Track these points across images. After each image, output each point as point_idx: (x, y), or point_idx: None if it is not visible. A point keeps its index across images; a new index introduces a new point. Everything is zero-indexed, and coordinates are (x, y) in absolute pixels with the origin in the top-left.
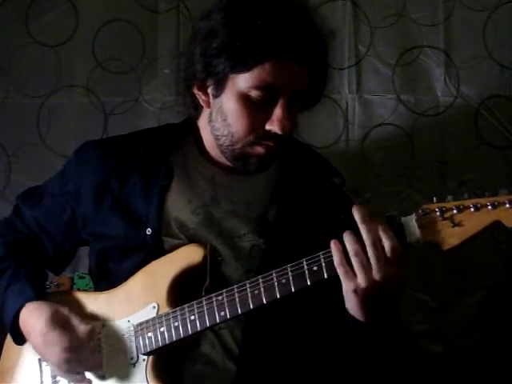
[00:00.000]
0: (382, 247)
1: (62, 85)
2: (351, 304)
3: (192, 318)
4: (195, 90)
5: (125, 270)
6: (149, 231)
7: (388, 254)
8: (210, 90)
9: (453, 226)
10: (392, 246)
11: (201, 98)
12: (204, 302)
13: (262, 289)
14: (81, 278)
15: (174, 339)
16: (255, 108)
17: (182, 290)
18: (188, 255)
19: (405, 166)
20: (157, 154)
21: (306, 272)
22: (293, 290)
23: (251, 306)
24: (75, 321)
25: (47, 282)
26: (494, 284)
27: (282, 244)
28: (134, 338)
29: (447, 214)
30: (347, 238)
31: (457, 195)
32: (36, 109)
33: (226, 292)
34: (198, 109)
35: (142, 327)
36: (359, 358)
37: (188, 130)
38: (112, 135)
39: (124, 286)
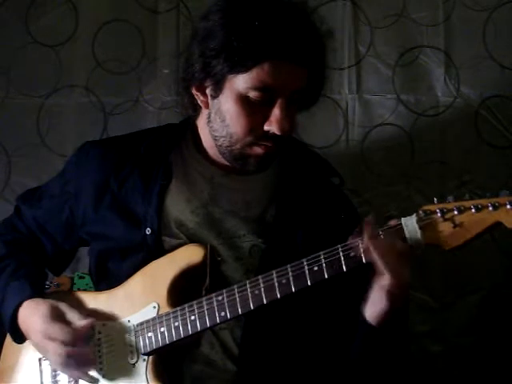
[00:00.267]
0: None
1: (62, 85)
2: (381, 299)
3: (192, 318)
4: (194, 91)
5: (125, 269)
6: (148, 231)
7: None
8: (208, 91)
9: (453, 227)
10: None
11: (199, 98)
12: (204, 302)
13: (263, 289)
14: (81, 277)
15: (174, 339)
16: (254, 109)
17: (182, 290)
18: (188, 255)
19: (405, 166)
20: (156, 154)
21: (307, 272)
22: (293, 290)
23: (251, 307)
24: (73, 315)
25: (47, 282)
26: (494, 284)
27: (281, 244)
28: (134, 338)
29: (448, 215)
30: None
31: (457, 195)
32: (36, 109)
33: (227, 292)
34: (196, 109)
35: (142, 327)
36: (368, 361)
37: (187, 130)
38: (112, 135)
39: (124, 285)
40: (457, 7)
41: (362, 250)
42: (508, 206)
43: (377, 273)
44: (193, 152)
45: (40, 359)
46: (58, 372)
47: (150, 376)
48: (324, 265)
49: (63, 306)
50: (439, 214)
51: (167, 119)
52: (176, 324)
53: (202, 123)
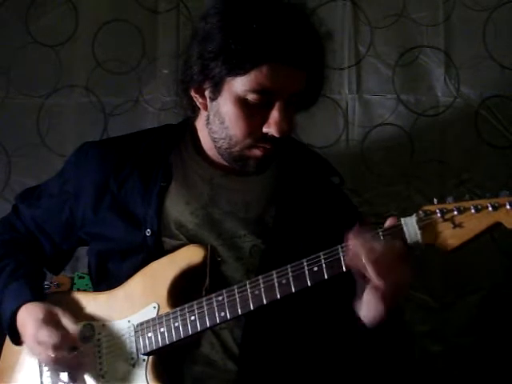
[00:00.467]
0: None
1: (62, 85)
2: (375, 303)
3: (192, 318)
4: (192, 93)
5: (125, 270)
6: (148, 232)
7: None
8: (207, 93)
9: (453, 228)
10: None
11: (198, 100)
12: (204, 303)
13: (263, 289)
14: (81, 277)
15: (174, 339)
16: (252, 111)
17: (183, 291)
18: (188, 256)
19: (405, 165)
20: (155, 155)
21: (307, 272)
22: (293, 290)
23: (251, 307)
24: (66, 320)
25: (47, 282)
26: (494, 284)
27: (282, 244)
28: (134, 338)
29: (448, 216)
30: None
31: (457, 195)
32: (36, 109)
33: (226, 292)
34: (195, 111)
35: (142, 327)
36: (368, 361)
37: (186, 131)
38: (112, 135)
39: (124, 286)
40: (457, 7)
41: (347, 257)
42: (508, 207)
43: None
44: (192, 154)
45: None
46: (58, 372)
47: (150, 376)
48: (324, 265)
49: (58, 311)
50: (439, 215)
51: (167, 120)
52: (176, 324)
53: (200, 125)
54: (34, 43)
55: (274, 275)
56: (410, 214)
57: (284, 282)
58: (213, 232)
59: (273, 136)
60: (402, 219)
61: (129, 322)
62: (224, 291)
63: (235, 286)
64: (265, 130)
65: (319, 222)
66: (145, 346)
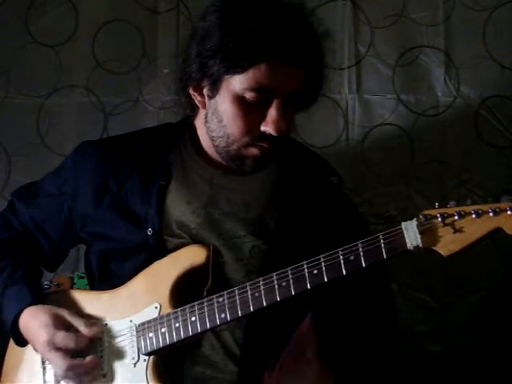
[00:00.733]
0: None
1: (62, 85)
2: None
3: (193, 319)
4: (191, 91)
5: (127, 270)
6: (150, 231)
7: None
8: (205, 91)
9: (454, 232)
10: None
11: (196, 98)
12: (205, 304)
13: (263, 291)
14: (81, 277)
15: (175, 340)
16: (250, 109)
17: (184, 291)
18: (191, 256)
19: (405, 166)
20: (155, 154)
21: (307, 275)
22: (293, 292)
23: (251, 309)
24: (79, 322)
25: (47, 282)
26: (494, 284)
27: (283, 244)
28: (135, 338)
29: (448, 220)
30: None
31: (457, 196)
32: (36, 109)
33: (227, 294)
34: (194, 109)
35: (143, 327)
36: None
37: (185, 130)
38: (112, 135)
39: (127, 285)
40: (457, 7)
41: None
42: (509, 212)
43: None
44: (191, 153)
45: (43, 359)
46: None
47: (151, 376)
48: (324, 268)
49: (66, 314)
50: (439, 219)
51: (167, 119)
52: (177, 325)
53: (199, 123)
54: (34, 43)
55: (274, 277)
56: (411, 218)
57: (284, 284)
58: (213, 232)
59: (270, 135)
60: (403, 223)
61: (131, 321)
62: (225, 293)
63: (236, 288)
64: (262, 128)
65: (320, 223)
66: (146, 346)
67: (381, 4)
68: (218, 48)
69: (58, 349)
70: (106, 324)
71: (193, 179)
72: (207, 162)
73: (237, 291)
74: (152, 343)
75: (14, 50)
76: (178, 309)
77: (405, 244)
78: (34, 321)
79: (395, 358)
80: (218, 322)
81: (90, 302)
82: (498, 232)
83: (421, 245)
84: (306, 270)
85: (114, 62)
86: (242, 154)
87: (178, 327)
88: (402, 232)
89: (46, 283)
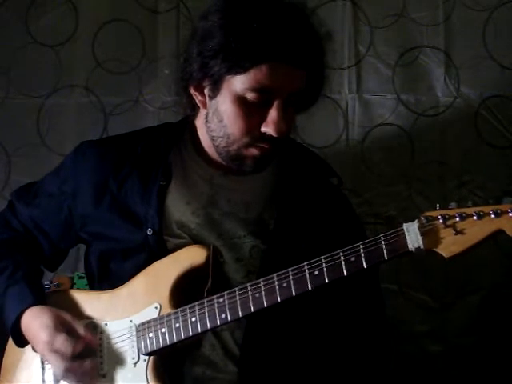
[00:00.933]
0: None
1: (62, 85)
2: None
3: (193, 319)
4: (192, 91)
5: (127, 270)
6: (150, 232)
7: None
8: (206, 91)
9: (455, 234)
10: None
11: (197, 98)
12: (205, 304)
13: (263, 292)
14: (81, 277)
15: (175, 340)
16: (251, 110)
17: (185, 291)
18: (191, 256)
19: (405, 166)
20: (155, 154)
21: (307, 276)
22: (293, 293)
23: (252, 309)
24: (79, 326)
25: (47, 282)
26: (494, 284)
27: (282, 245)
28: (135, 338)
29: (450, 222)
30: None
31: (458, 197)
32: (36, 109)
33: (228, 294)
34: (195, 109)
35: (143, 327)
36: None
37: (186, 130)
38: (112, 135)
39: (128, 285)
40: (457, 7)
41: None
42: (510, 214)
43: None
44: (192, 153)
45: (43, 359)
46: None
47: (151, 376)
48: (325, 269)
49: (67, 316)
50: (441, 221)
51: (167, 119)
52: (177, 325)
53: (200, 123)
54: (34, 43)
55: (275, 278)
56: (411, 219)
57: (285, 285)
58: (213, 232)
59: (271, 135)
60: (404, 225)
61: (131, 321)
62: (225, 293)
63: (236, 288)
64: (263, 129)
65: (319, 223)
66: (146, 346)
67: (381, 4)
68: (219, 48)
69: (56, 351)
70: (106, 324)
71: (193, 179)
72: (207, 162)
73: (237, 292)
74: (152, 343)
75: (13, 49)
76: (178, 309)
77: (406, 245)
78: (34, 321)
79: (384, 358)
80: (219, 323)
81: (90, 301)
82: (499, 234)
83: (422, 246)
84: (306, 271)
85: (114, 61)
86: (242, 155)
87: (178, 327)
88: (404, 233)
89: (46, 283)
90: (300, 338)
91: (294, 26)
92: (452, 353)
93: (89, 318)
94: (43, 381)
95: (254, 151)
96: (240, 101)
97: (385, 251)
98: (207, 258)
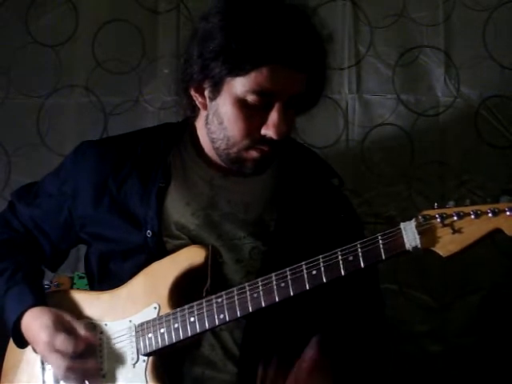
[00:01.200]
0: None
1: (62, 85)
2: None
3: (192, 319)
4: (192, 92)
5: (127, 270)
6: (149, 233)
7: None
8: (206, 93)
9: (453, 233)
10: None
11: (198, 99)
12: (204, 304)
13: (261, 292)
14: (81, 277)
15: (174, 341)
16: (251, 112)
17: (184, 291)
18: (190, 256)
19: (405, 166)
20: (154, 155)
21: (305, 276)
22: (292, 293)
23: (250, 310)
24: (79, 326)
25: (47, 282)
26: (494, 284)
27: (282, 246)
28: (134, 339)
29: (447, 221)
30: None
31: (457, 196)
32: (36, 109)
33: (226, 294)
34: (195, 110)
35: (142, 328)
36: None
37: (186, 131)
38: (112, 135)
39: (126, 286)
40: (457, 7)
41: None
42: (508, 213)
43: None
44: (192, 154)
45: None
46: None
47: (150, 377)
48: (322, 269)
49: (67, 316)
50: (438, 220)
51: (167, 119)
52: (176, 325)
53: (200, 125)
54: (34, 43)
55: (273, 278)
56: (410, 219)
57: (283, 285)
58: (213, 233)
59: (271, 138)
60: (402, 224)
61: (130, 321)
62: (223, 293)
63: (235, 289)
64: (263, 131)
65: (320, 224)
66: (145, 347)
67: (381, 4)
68: (220, 50)
69: (57, 350)
70: (106, 324)
71: (193, 180)
72: (207, 163)
73: (236, 292)
74: (151, 344)
75: (14, 49)
76: (177, 309)
77: (403, 245)
78: (35, 322)
79: (382, 358)
80: (217, 323)
81: (90, 302)
82: (497, 233)
83: (420, 245)
84: (304, 271)
85: (114, 61)
86: (242, 157)
87: (177, 328)
88: (401, 232)
89: (46, 283)
90: (299, 338)
91: (295, 29)
92: (452, 353)
93: (88, 318)
94: (43, 381)
95: (254, 154)
96: (240, 103)
97: (382, 250)
98: (206, 258)
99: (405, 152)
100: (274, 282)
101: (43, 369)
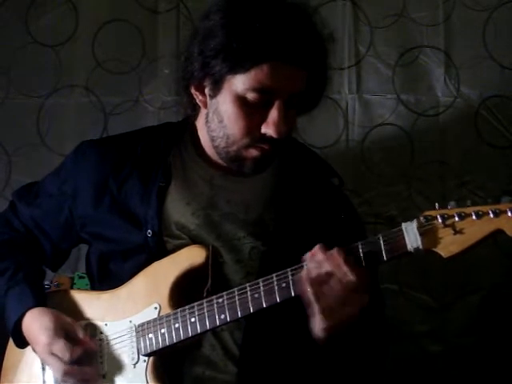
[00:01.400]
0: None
1: (62, 85)
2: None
3: (192, 320)
4: (192, 90)
5: (127, 270)
6: (149, 233)
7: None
8: (207, 91)
9: (454, 234)
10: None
11: (198, 98)
12: (205, 304)
13: (263, 292)
14: (81, 277)
15: (175, 341)
16: (251, 110)
17: (184, 292)
18: (190, 256)
19: (405, 166)
20: (155, 155)
21: None
22: (293, 294)
23: (251, 310)
24: (79, 331)
25: (47, 282)
26: (494, 284)
27: (282, 246)
28: (135, 339)
29: (449, 222)
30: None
31: (458, 197)
32: (36, 109)
33: (227, 295)
34: (195, 109)
35: (143, 328)
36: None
37: (186, 131)
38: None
39: (127, 285)
40: (457, 7)
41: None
42: (509, 213)
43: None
44: (192, 154)
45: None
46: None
47: (150, 377)
48: None
49: (67, 319)
50: (440, 220)
51: (167, 119)
52: (176, 326)
53: (200, 123)
54: (34, 43)
55: (274, 278)
56: (411, 219)
57: (284, 285)
58: (213, 233)
59: (271, 137)
60: (403, 224)
61: (130, 322)
62: (224, 293)
63: (236, 289)
64: (263, 130)
65: (320, 224)
66: (145, 347)
67: (381, 4)
68: (220, 47)
69: (53, 354)
70: (106, 324)
71: (193, 180)
72: (207, 162)
73: (236, 292)
74: (152, 344)
75: (14, 49)
76: (178, 309)
77: (405, 246)
78: (35, 323)
79: (381, 358)
80: (218, 323)
81: (90, 302)
82: (498, 233)
83: (421, 246)
84: None
85: (114, 61)
86: (242, 156)
87: (178, 328)
88: (403, 233)
89: (46, 283)
90: (299, 338)
91: (295, 26)
92: (452, 353)
93: (89, 318)
94: (43, 381)
95: (253, 152)
96: (240, 101)
97: (384, 252)
98: (207, 258)
99: (405, 152)
100: (275, 283)
101: (43, 369)
